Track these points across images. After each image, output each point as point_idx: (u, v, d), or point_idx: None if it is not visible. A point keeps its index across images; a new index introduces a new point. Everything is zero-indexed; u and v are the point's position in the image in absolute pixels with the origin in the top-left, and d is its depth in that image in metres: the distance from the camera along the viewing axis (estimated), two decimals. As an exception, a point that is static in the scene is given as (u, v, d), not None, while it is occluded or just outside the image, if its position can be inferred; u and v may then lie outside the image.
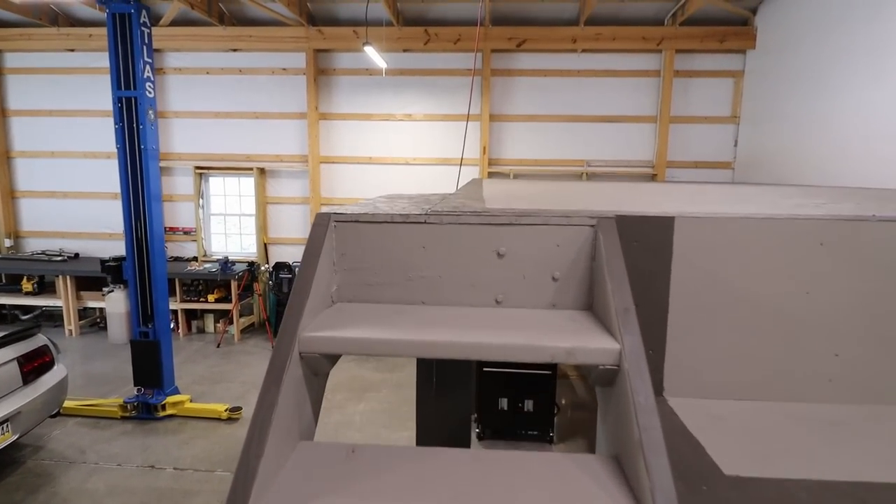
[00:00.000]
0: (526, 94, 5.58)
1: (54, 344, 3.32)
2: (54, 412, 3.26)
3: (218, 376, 4.57)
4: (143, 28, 3.39)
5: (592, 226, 0.97)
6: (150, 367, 3.74)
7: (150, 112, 3.47)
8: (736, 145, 5.54)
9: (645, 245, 0.99)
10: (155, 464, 3.22)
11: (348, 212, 1.02)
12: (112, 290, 5.08)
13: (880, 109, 3.51)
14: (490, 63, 5.45)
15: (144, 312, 3.69)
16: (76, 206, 6.06)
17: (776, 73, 4.83)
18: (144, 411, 3.74)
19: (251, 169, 5.76)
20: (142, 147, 3.45)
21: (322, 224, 0.99)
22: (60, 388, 3.25)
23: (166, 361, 3.80)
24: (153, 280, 3.63)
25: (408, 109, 5.65)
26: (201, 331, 5.77)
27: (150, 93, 3.48)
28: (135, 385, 3.78)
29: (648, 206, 1.12)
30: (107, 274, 4.71)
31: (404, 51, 5.51)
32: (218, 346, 5.28)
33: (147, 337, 3.71)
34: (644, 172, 5.59)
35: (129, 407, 3.72)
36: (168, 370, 3.83)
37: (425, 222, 0.99)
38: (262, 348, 5.29)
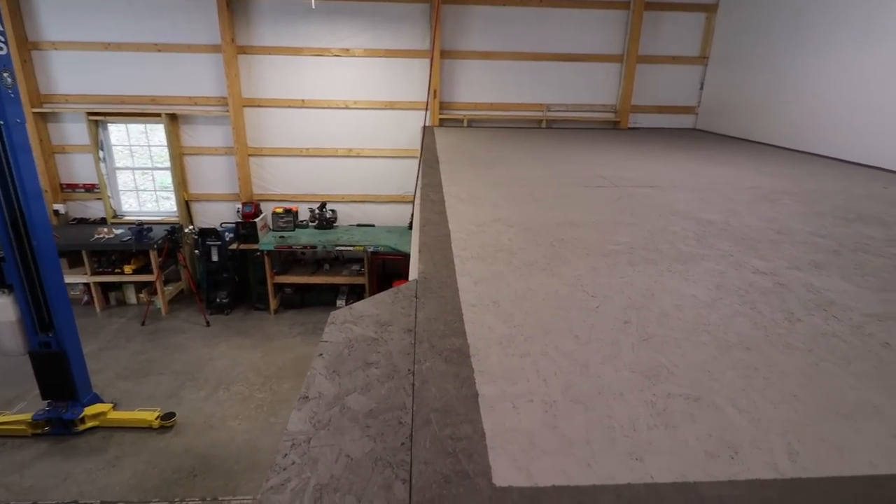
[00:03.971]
0: (482, 27, 4.86)
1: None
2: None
3: (146, 366, 4.09)
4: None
5: None
6: (58, 379, 3.21)
7: (6, 75, 2.62)
8: (702, 88, 5.19)
9: None
10: (79, 497, 2.84)
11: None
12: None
13: (867, 73, 3.23)
14: (441, -12, 4.65)
15: (41, 320, 3.09)
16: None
17: (753, 13, 4.39)
18: (60, 427, 3.27)
19: (159, 115, 4.84)
20: None
21: None
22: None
23: (78, 370, 3.27)
24: (45, 283, 3.00)
25: (345, 43, 4.81)
26: (121, 303, 5.14)
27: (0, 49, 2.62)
28: (43, 399, 3.27)
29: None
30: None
31: (337, -31, 4.58)
32: (143, 324, 4.72)
33: (49, 347, 3.15)
34: (606, 118, 5.18)
35: (41, 424, 3.24)
36: (82, 378, 3.32)
37: None
38: (194, 323, 4.79)
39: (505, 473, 0.63)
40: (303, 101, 4.95)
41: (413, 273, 1.31)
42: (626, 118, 5.13)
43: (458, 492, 0.60)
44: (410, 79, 4.93)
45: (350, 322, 1.01)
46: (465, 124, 5.05)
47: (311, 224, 5.17)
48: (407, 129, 5.05)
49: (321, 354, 0.90)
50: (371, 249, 4.69)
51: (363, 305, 1.08)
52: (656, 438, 0.71)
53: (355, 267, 5.09)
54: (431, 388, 0.80)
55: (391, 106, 5.01)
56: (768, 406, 0.78)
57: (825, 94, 3.56)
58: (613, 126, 5.18)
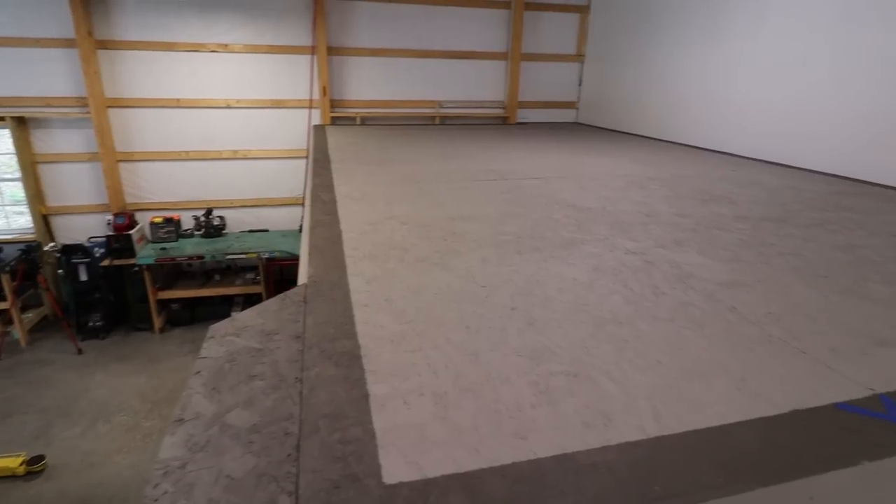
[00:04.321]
0: (370, 24, 4.80)
1: None
2: None
3: (6, 406, 3.56)
4: None
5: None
6: None
7: None
8: (580, 85, 5.57)
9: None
10: (-79, 571, 2.41)
11: None
12: None
13: (713, 69, 3.66)
14: (323, -18, 4.52)
15: None
16: None
17: (619, 15, 4.79)
18: None
19: (3, 118, 4.21)
20: None
21: None
22: None
23: (-89, 421, 2.77)
24: None
25: (223, 38, 4.51)
26: (-32, 337, 4.42)
27: None
28: None
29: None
30: None
31: (209, -41, 4.28)
32: (-2, 359, 4.11)
33: None
34: (496, 114, 5.38)
35: None
36: (-82, 430, 2.81)
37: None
38: (63, 352, 4.24)
39: (395, 470, 0.63)
40: (178, 100, 4.57)
41: (302, 277, 1.26)
42: (514, 114, 5.36)
43: (347, 496, 0.59)
44: (298, 76, 4.75)
45: (232, 334, 0.95)
46: (359, 122, 4.98)
47: (196, 233, 4.80)
48: (297, 128, 4.86)
49: (198, 372, 0.83)
50: (266, 256, 4.46)
51: (247, 315, 1.02)
52: (539, 416, 0.74)
53: (250, 275, 4.81)
54: (320, 394, 0.77)
55: (279, 104, 4.79)
56: (637, 374, 0.86)
57: (681, 89, 3.98)
58: (503, 121, 5.39)
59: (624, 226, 1.74)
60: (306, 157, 4.17)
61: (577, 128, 5.09)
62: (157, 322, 4.56)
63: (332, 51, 4.75)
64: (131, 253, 4.39)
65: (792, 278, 1.32)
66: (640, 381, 0.84)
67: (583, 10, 5.29)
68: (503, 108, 5.39)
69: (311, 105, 4.79)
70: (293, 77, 4.74)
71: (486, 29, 5.14)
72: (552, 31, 5.32)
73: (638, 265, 1.37)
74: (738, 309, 1.13)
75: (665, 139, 4.14)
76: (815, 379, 0.87)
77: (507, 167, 2.79)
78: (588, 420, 0.74)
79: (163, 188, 4.79)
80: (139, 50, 4.37)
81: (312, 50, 4.65)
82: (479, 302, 1.11)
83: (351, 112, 4.97)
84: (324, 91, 4.76)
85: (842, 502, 0.69)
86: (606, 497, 0.61)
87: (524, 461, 0.65)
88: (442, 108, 5.21)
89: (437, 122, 5.21)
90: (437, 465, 0.64)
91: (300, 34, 4.65)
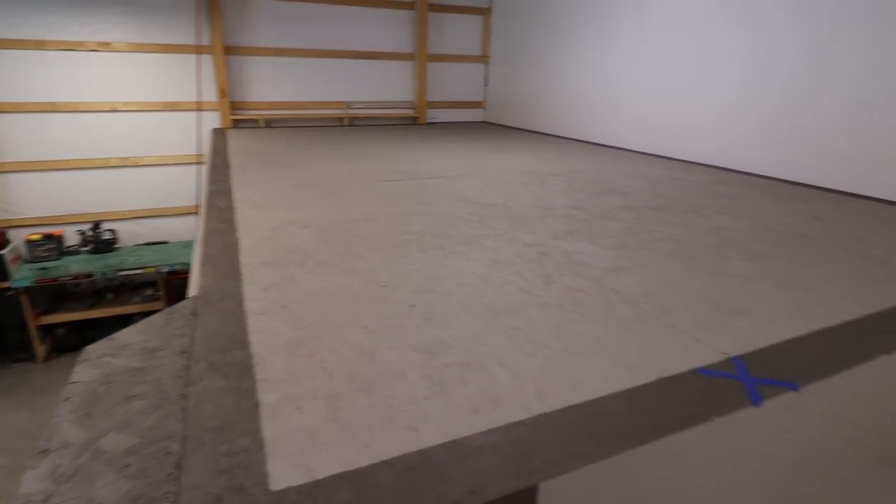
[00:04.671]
0: (270, 22, 4.63)
1: None
2: None
3: None
4: None
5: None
6: None
7: None
8: (487, 85, 5.73)
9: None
10: None
11: None
12: None
13: (607, 69, 3.92)
14: (215, -22, 4.29)
15: None
16: None
17: (519, 17, 5.00)
18: None
19: None
20: None
21: None
22: None
23: None
24: None
25: (103, 36, 4.14)
26: None
27: None
28: None
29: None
30: None
31: (81, -51, 3.91)
32: None
33: None
34: (406, 114, 5.40)
35: None
36: None
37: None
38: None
39: (283, 476, 0.63)
40: (54, 104, 4.13)
41: (193, 289, 1.20)
42: (424, 114, 5.42)
43: (230, 508, 0.58)
44: (192, 77, 4.47)
45: (109, 355, 0.89)
46: (263, 125, 4.79)
47: (83, 249, 4.37)
48: (195, 132, 4.58)
49: (68, 398, 0.77)
50: (165, 269, 4.17)
51: (127, 334, 0.96)
52: (431, 407, 0.77)
53: (149, 291, 4.47)
54: (207, 408, 0.74)
55: (172, 107, 4.48)
56: (525, 358, 0.91)
57: (578, 89, 4.22)
58: (413, 122, 5.42)
59: (523, 220, 1.82)
60: (205, 163, 3.93)
61: (484, 127, 5.24)
62: (41, 350, 4.11)
63: (230, 50, 4.53)
64: (4, 276, 3.92)
65: (668, 260, 1.45)
66: (527, 365, 0.89)
67: (485, 13, 5.45)
68: (413, 108, 5.43)
69: (200, 108, 4.51)
70: (187, 78, 4.46)
71: (392, 30, 5.14)
72: (457, 33, 5.44)
73: (533, 256, 1.45)
74: (620, 291, 1.23)
75: (566, 136, 4.37)
76: (680, 349, 0.97)
77: (415, 167, 2.81)
78: (477, 406, 0.77)
79: (41, 202, 4.31)
80: (6, 49, 3.91)
81: (199, 49, 4.39)
82: (378, 302, 1.12)
83: (254, 114, 4.76)
84: (222, 93, 4.53)
85: (697, 455, 0.77)
86: (490, 475, 0.64)
87: (414, 451, 0.67)
88: (350, 108, 5.15)
89: (345, 123, 5.14)
90: (327, 465, 0.64)
91: (190, 32, 4.38)
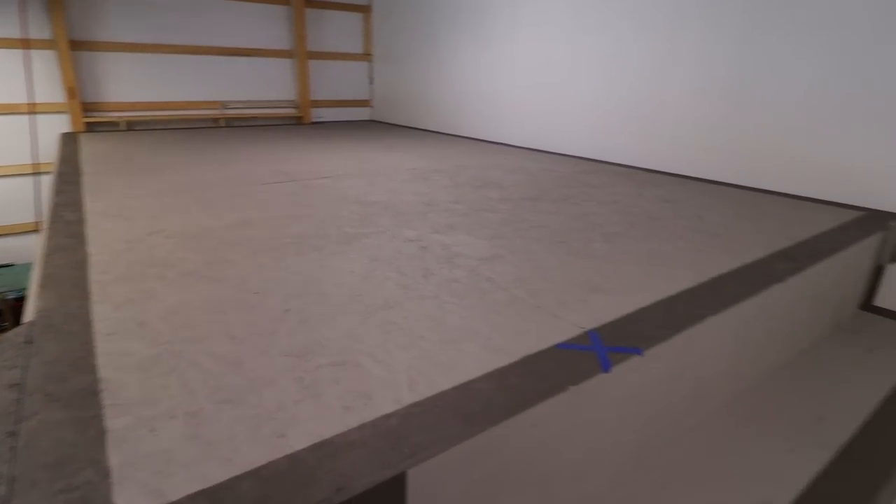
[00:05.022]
0: (127, 14, 4.20)
1: None
2: None
3: None
4: None
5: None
6: None
7: None
8: (372, 83, 5.70)
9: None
10: None
11: None
12: None
13: (483, 69, 4.07)
14: (52, -37, 3.80)
15: None
16: None
17: (400, 17, 5.02)
18: None
19: None
20: None
21: None
22: None
23: None
24: None
25: None
26: None
27: None
28: None
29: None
30: None
31: None
32: None
33: None
34: (289, 114, 5.20)
35: None
36: None
37: None
38: None
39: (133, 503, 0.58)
40: None
41: (29, 314, 1.07)
42: (308, 113, 5.25)
43: (66, 549, 0.53)
44: (32, 76, 3.93)
45: (-87, 398, 0.76)
46: (124, 128, 4.34)
47: None
48: (41, 138, 4.03)
49: None
50: (12, 296, 3.63)
51: (-61, 371, 0.82)
52: (302, 410, 0.75)
53: (-5, 322, 3.87)
54: (41, 444, 0.67)
55: (10, 110, 3.91)
56: (400, 351, 0.93)
57: (460, 87, 4.35)
58: (297, 122, 5.24)
59: (406, 216, 1.85)
60: (52, 172, 3.47)
61: (371, 125, 5.21)
62: None
63: (79, 45, 4.04)
64: None
65: (538, 247, 1.56)
66: (401, 358, 0.91)
67: (365, 10, 5.41)
68: (296, 107, 5.24)
69: (33, 110, 3.97)
70: (14, 77, 3.89)
71: (268, 25, 4.92)
72: (337, 30, 5.33)
73: (413, 252, 1.47)
74: (494, 279, 1.29)
75: (451, 133, 4.49)
76: (544, 327, 1.05)
77: (298, 168, 2.73)
78: (349, 403, 0.77)
79: None
80: None
81: (27, 43, 3.86)
82: (249, 309, 1.07)
83: (113, 116, 4.30)
84: (71, 93, 4.03)
85: (555, 423, 0.84)
86: (360, 470, 0.65)
87: (281, 457, 0.66)
88: (226, 108, 4.84)
89: (222, 124, 4.83)
90: (183, 486, 0.61)
91: (15, 24, 3.82)
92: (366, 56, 5.56)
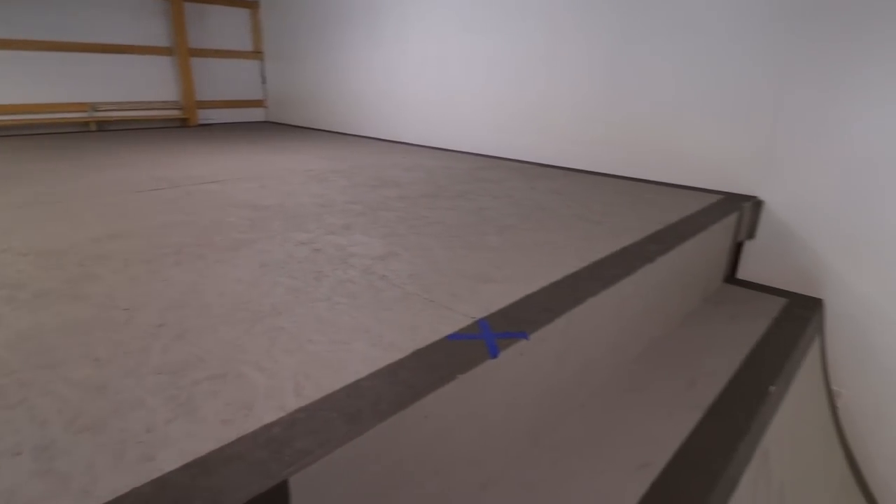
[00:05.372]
0: (-41, 5, 3.66)
1: None
2: None
3: None
4: None
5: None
6: None
7: None
8: (265, 82, 5.45)
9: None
10: None
11: None
12: None
13: (378, 67, 4.05)
14: None
15: None
16: None
17: (291, 14, 4.84)
18: None
19: None
20: None
21: None
22: None
23: None
24: None
25: None
26: None
27: None
28: None
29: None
30: None
31: None
32: None
33: None
34: (173, 115, 4.83)
35: None
36: None
37: None
38: None
39: (-41, 560, 0.51)
40: None
41: None
42: (195, 115, 4.91)
43: None
44: None
45: None
46: (-29, 134, 3.79)
47: None
48: None
49: None
50: None
51: None
52: (174, 430, 0.70)
53: None
54: None
55: None
56: (286, 357, 0.90)
57: (355, 86, 4.29)
58: (182, 124, 4.88)
59: (299, 219, 1.79)
60: None
61: (266, 126, 4.98)
62: None
63: None
64: None
65: (434, 242, 1.58)
66: (288, 364, 0.88)
67: (252, 6, 5.15)
68: (180, 108, 4.87)
69: None
70: None
71: (141, 20, 4.52)
72: (222, 26, 5.03)
73: (305, 254, 1.43)
74: (388, 276, 1.29)
75: (349, 133, 4.42)
76: (436, 320, 1.06)
77: (181, 173, 2.54)
78: (228, 417, 0.73)
79: None
80: None
81: None
82: (117, 328, 0.98)
83: (-46, 121, 3.74)
84: None
85: (446, 412, 0.86)
86: (237, 484, 0.61)
87: (146, 482, 0.61)
88: (97, 111, 4.39)
89: (93, 128, 4.37)
90: (26, 529, 0.54)
91: None
92: (256, 54, 5.30)
